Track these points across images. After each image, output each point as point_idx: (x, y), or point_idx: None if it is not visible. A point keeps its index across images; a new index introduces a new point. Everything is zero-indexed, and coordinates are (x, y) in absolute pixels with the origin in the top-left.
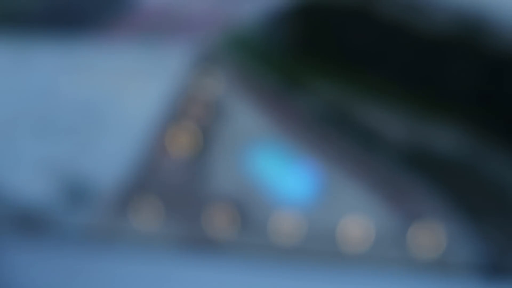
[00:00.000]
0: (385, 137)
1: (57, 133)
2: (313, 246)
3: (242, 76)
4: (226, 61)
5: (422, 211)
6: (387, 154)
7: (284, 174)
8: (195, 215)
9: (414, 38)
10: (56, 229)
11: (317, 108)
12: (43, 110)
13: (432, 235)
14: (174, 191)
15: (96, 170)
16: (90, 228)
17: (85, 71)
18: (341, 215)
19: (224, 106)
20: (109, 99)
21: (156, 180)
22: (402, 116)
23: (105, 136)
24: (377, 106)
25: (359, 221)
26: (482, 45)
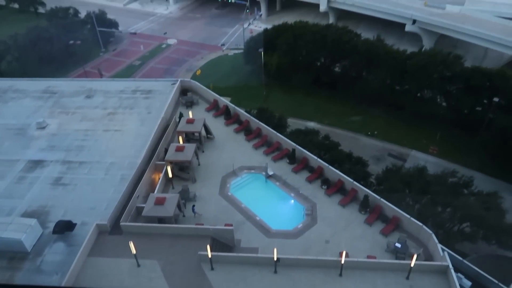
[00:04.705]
0: (366, 162)
1: (40, 170)
2: (303, 270)
3: (225, 106)
4: (208, 93)
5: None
6: (369, 182)
7: (271, 202)
8: (184, 245)
9: (387, 63)
10: (37, 263)
11: (299, 136)
12: (25, 146)
13: (419, 259)
14: (162, 223)
15: (79, 208)
16: (69, 264)
17: (69, 108)
18: (330, 242)
19: (209, 138)
20: (94, 136)
21: (143, 211)
22: (382, 139)
23: (89, 173)
24: (357, 131)
25: (349, 247)
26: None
